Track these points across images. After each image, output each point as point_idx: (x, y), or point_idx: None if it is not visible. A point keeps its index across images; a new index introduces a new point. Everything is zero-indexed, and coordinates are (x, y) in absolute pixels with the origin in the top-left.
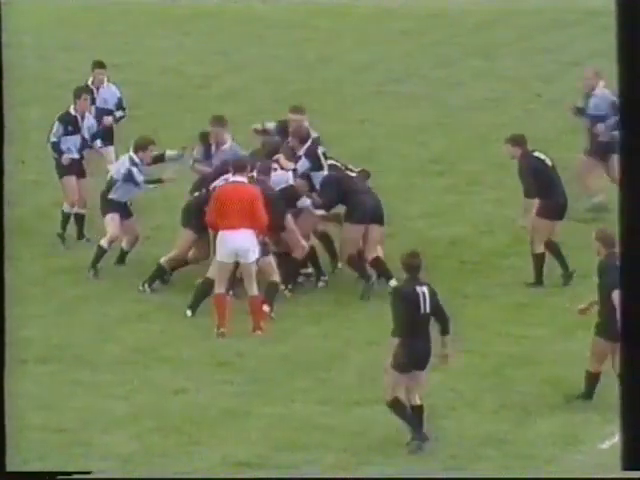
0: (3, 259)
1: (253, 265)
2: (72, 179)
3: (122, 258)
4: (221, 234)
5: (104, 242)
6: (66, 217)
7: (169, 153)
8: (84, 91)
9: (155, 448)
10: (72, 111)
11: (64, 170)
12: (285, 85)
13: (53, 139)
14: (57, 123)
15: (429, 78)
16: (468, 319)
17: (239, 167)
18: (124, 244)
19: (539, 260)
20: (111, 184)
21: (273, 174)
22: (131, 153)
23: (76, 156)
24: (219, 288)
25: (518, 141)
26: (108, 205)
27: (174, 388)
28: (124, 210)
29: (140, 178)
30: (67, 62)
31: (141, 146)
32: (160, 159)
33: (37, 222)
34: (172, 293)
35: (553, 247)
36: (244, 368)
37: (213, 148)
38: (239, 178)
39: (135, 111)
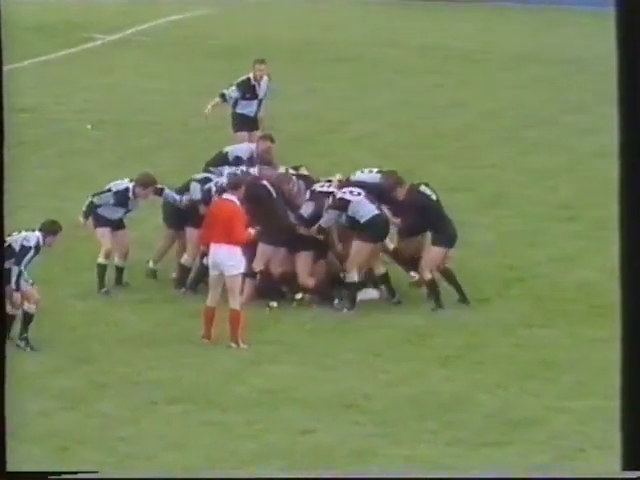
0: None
1: (236, 278)
2: None
3: (120, 276)
4: (210, 247)
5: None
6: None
7: (167, 192)
8: None
9: None
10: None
11: None
12: (414, 130)
13: None
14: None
15: (559, 124)
16: (596, 364)
17: (232, 185)
18: (116, 260)
19: None
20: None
21: None
22: (130, 185)
23: None
24: (210, 300)
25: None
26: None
27: (302, 428)
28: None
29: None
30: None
31: (143, 183)
32: (159, 193)
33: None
34: (303, 335)
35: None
36: (371, 410)
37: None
38: (229, 196)
39: None
